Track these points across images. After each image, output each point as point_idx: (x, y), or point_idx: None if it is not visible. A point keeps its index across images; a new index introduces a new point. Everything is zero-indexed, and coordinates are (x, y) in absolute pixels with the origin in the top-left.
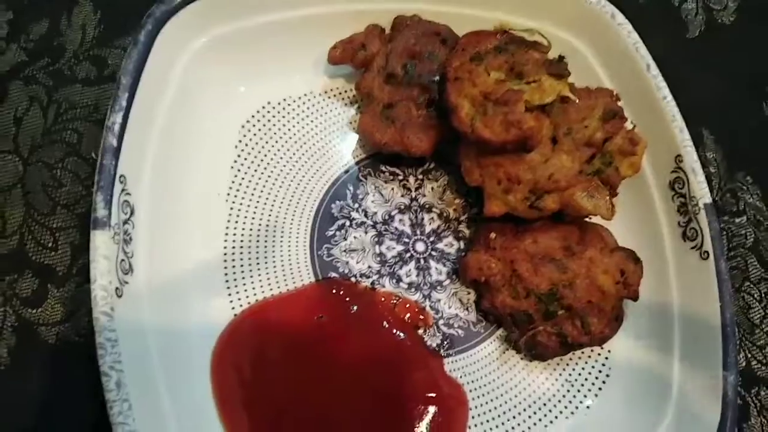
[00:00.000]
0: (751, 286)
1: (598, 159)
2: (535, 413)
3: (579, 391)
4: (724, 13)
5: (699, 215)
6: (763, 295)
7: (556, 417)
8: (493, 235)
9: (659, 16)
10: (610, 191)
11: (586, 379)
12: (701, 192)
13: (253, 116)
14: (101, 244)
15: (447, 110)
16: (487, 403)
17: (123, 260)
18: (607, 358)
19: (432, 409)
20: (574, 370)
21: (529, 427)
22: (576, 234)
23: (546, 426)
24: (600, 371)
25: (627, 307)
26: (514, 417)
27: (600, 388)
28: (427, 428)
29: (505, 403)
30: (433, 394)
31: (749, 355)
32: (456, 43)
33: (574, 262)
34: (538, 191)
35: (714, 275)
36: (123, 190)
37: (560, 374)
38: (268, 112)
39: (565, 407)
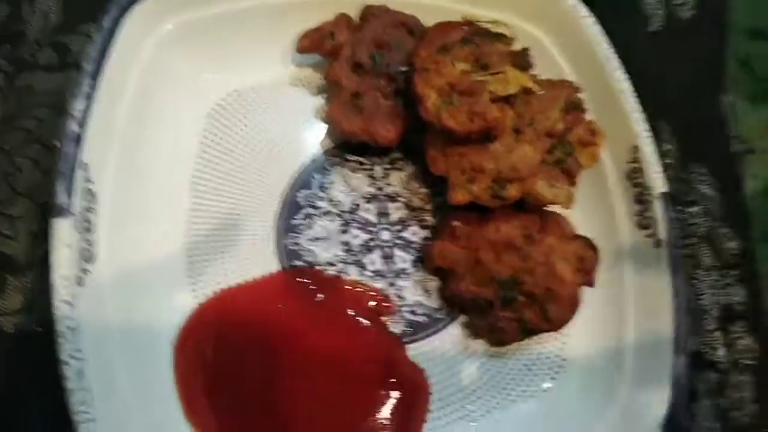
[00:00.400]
0: (703, 272)
1: (558, 149)
2: (494, 397)
3: (536, 375)
4: (685, 7)
5: (654, 204)
6: (713, 282)
7: (514, 400)
8: (456, 223)
9: (622, 9)
10: (570, 180)
11: (543, 364)
12: (657, 182)
13: (219, 104)
14: (62, 232)
15: (414, 100)
16: (448, 386)
17: (85, 248)
18: (564, 343)
19: (394, 393)
20: (531, 354)
21: (488, 410)
22: (537, 223)
23: (505, 408)
24: (557, 356)
25: (583, 294)
26: (474, 401)
27: (557, 372)
28: (389, 412)
29: (466, 386)
30: (395, 380)
31: (699, 340)
32: (423, 34)
33: (535, 250)
34: (500, 181)
35: (667, 262)
36: (85, 177)
37: (518, 359)
38: (235, 100)
39: (524, 391)
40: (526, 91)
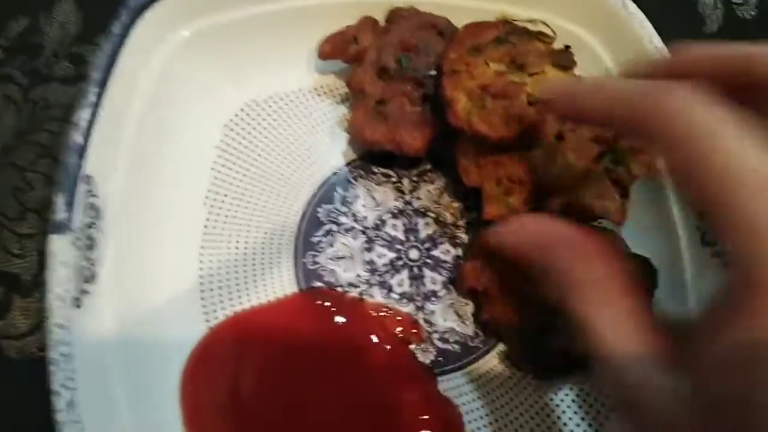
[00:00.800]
0: None
1: (607, 157)
2: None
3: (588, 412)
4: (745, 7)
5: None
6: None
7: None
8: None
9: (675, 7)
10: (622, 192)
11: (599, 398)
12: None
13: (236, 115)
14: (59, 249)
15: (442, 105)
16: (485, 426)
17: (85, 267)
18: None
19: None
20: (584, 386)
21: None
22: None
23: None
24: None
25: None
26: None
27: (614, 409)
28: None
29: (506, 426)
30: (426, 416)
31: None
32: (454, 35)
33: None
34: (541, 193)
35: None
36: (88, 191)
37: (567, 393)
38: (253, 110)
39: (572, 431)
40: None
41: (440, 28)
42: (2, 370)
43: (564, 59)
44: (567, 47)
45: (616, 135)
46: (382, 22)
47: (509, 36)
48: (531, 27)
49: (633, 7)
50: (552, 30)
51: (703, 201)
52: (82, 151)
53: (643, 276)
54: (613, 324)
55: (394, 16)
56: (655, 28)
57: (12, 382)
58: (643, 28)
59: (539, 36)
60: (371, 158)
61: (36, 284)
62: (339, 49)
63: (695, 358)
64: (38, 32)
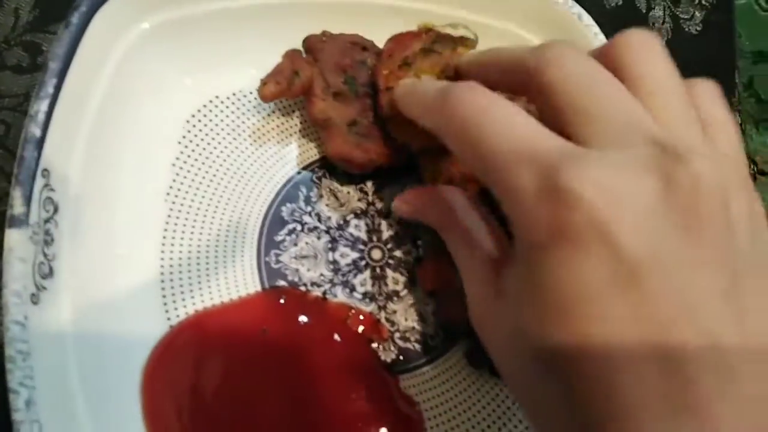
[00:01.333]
0: None
1: None
2: (498, 430)
3: None
4: (691, 22)
5: None
6: None
7: None
8: None
9: (627, 21)
10: None
11: None
12: None
13: (199, 110)
14: (16, 244)
15: (384, 121)
16: (445, 422)
17: (42, 263)
18: None
19: (384, 430)
20: None
21: None
22: None
23: None
24: None
25: None
26: None
27: None
28: None
29: (466, 421)
30: (387, 414)
31: None
32: (381, 51)
33: None
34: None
35: None
36: (46, 185)
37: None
38: (216, 106)
39: (527, 427)
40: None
41: (362, 44)
42: None
43: None
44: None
45: None
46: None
47: (434, 45)
48: (452, 32)
49: (588, 19)
50: (473, 33)
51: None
52: (40, 144)
53: None
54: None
55: (313, 44)
56: (607, 39)
57: None
58: (597, 39)
59: (462, 42)
60: None
61: None
62: (284, 87)
63: None
64: None
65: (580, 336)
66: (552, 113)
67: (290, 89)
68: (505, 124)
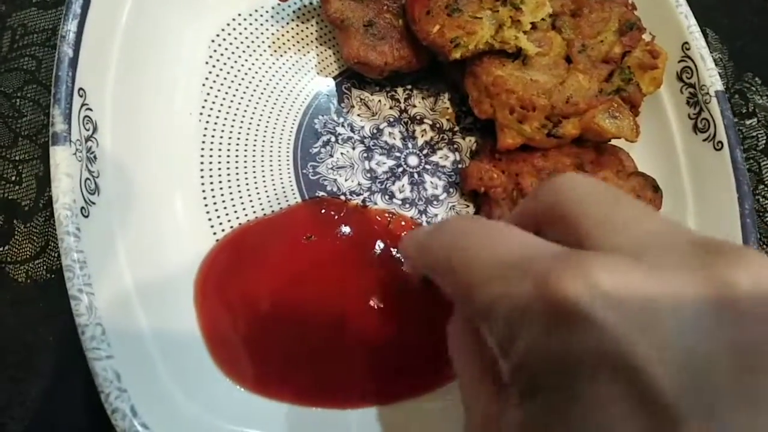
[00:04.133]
0: (766, 189)
1: (617, 76)
2: None
3: None
4: None
5: (710, 104)
6: None
7: None
8: None
9: None
10: (632, 110)
11: None
12: (711, 80)
13: (223, 29)
14: (62, 160)
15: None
16: None
17: (88, 179)
18: None
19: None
20: None
21: None
22: (592, 154)
23: None
24: None
25: None
26: None
27: None
28: (429, 349)
29: None
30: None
31: None
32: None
33: None
34: (555, 117)
35: (729, 165)
36: (83, 104)
37: None
38: (240, 24)
39: None
40: (573, 14)
41: None
42: (11, 293)
43: None
44: None
45: (624, 54)
46: None
47: None
48: None
49: None
50: None
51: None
52: (73, 63)
53: (650, 191)
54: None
55: None
56: None
57: (22, 304)
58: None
59: None
60: None
61: (37, 209)
62: None
63: None
64: None
65: None
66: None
67: None
68: (491, 237)
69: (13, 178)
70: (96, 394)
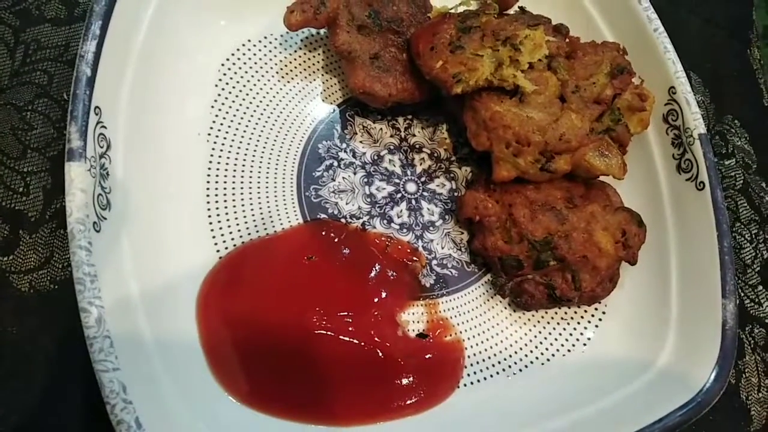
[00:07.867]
0: (742, 227)
1: (607, 116)
2: (531, 351)
3: (579, 323)
4: None
5: (693, 146)
6: (753, 236)
7: (553, 355)
8: None
9: None
10: (621, 149)
11: (585, 311)
12: (695, 123)
13: (233, 54)
14: (77, 176)
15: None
16: (482, 342)
17: (100, 195)
18: None
19: (429, 348)
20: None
21: (525, 366)
22: (581, 188)
23: (543, 364)
24: (595, 307)
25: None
26: (509, 356)
27: (600, 319)
28: (424, 367)
29: (501, 342)
30: (429, 335)
31: (742, 294)
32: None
33: (574, 215)
34: (548, 153)
35: (710, 205)
36: (98, 122)
37: (556, 312)
38: (249, 50)
39: (562, 345)
40: (568, 56)
41: None
42: (14, 302)
43: (531, 19)
44: (522, 8)
45: (614, 95)
46: None
47: (465, 22)
48: (467, 7)
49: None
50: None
51: None
52: (91, 82)
53: (635, 226)
54: None
55: None
56: None
57: (24, 314)
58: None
59: (485, 8)
60: None
61: (43, 220)
62: (309, 16)
63: None
64: None
65: None
66: None
67: (316, 18)
68: None
69: (21, 189)
70: (93, 404)
